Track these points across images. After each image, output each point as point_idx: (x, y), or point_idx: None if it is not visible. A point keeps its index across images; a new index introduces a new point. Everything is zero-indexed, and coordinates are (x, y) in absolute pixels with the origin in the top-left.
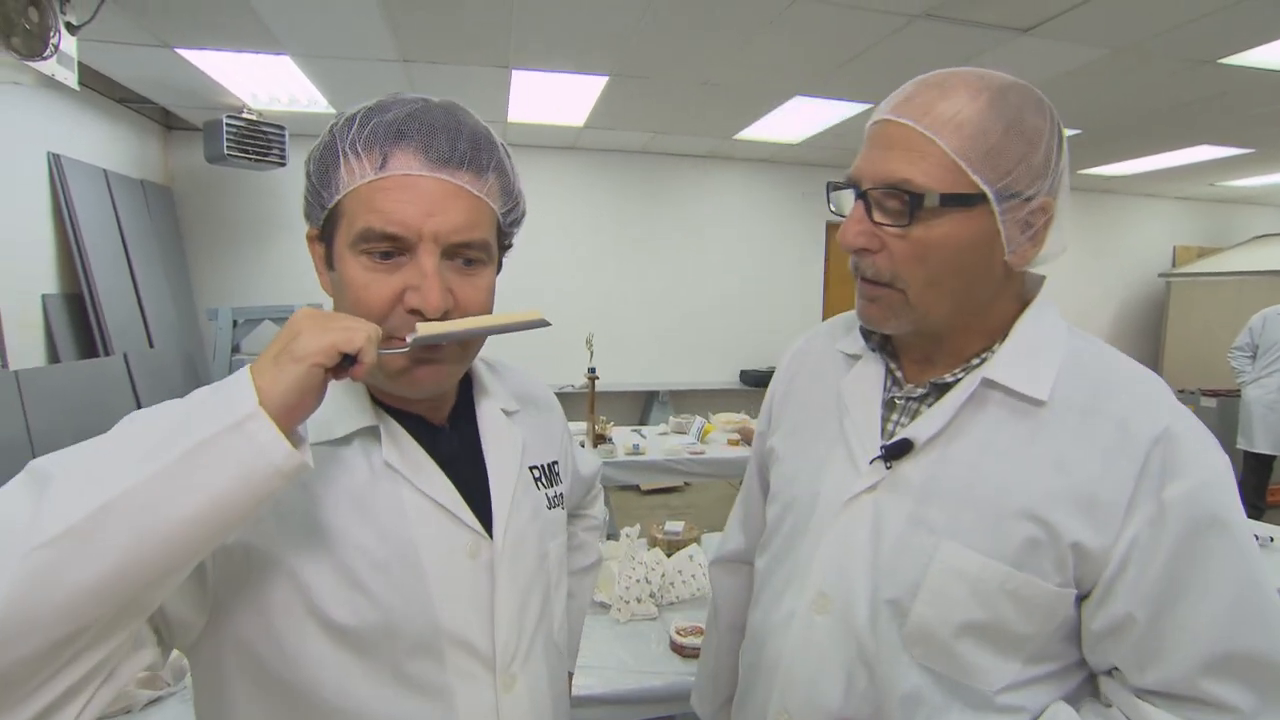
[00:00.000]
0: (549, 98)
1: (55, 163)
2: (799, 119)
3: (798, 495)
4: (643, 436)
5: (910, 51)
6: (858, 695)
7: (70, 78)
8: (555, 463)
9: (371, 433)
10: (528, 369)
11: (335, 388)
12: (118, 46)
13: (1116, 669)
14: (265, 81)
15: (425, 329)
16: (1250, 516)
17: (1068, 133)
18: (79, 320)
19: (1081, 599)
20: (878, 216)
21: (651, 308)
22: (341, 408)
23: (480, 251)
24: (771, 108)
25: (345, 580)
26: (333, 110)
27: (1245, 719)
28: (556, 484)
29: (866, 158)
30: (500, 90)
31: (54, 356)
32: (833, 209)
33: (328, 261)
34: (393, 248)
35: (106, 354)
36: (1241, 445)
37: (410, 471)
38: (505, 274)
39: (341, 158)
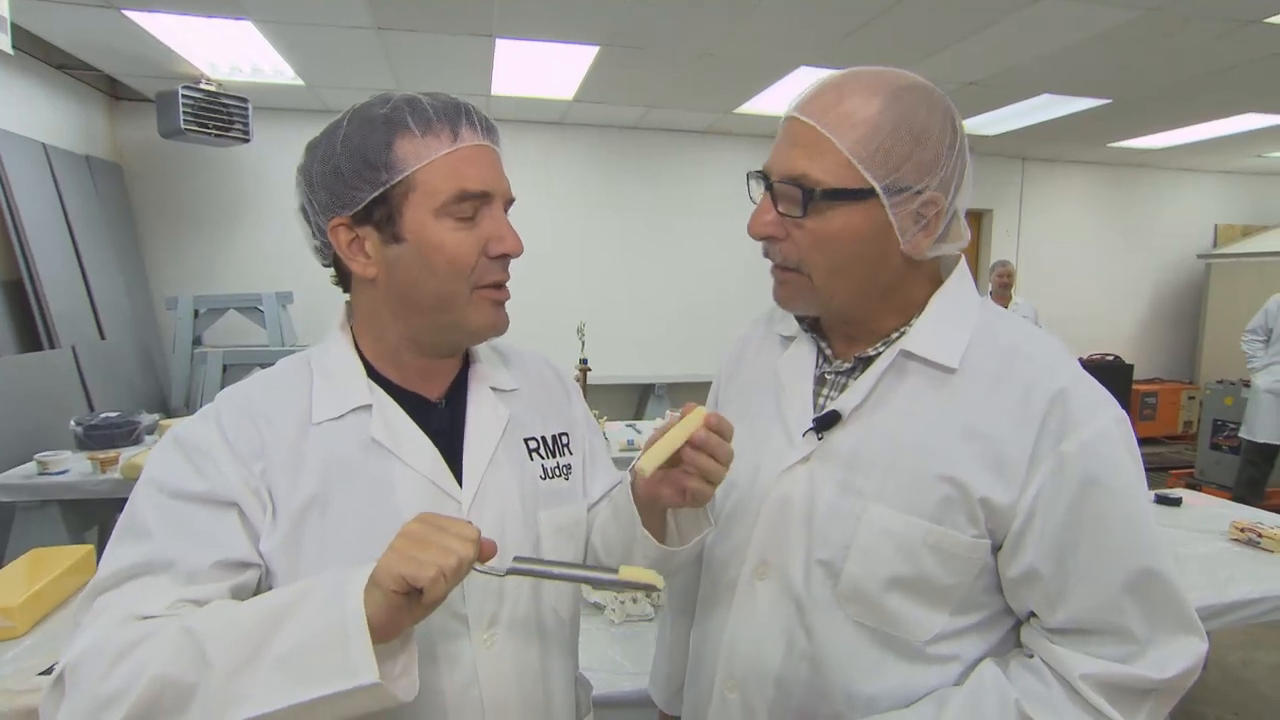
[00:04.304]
0: (536, 69)
1: None
2: None
3: (740, 472)
4: (638, 432)
5: (921, 17)
6: (797, 655)
7: (4, 40)
8: (564, 434)
9: (366, 410)
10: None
11: (335, 369)
12: (57, 6)
13: (1033, 613)
14: (225, 49)
15: (522, 564)
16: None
17: (1095, 103)
18: (20, 309)
19: (997, 549)
20: (781, 207)
21: (647, 295)
22: (339, 388)
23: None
24: (775, 80)
25: (331, 551)
26: (300, 82)
27: (1141, 646)
28: (562, 455)
29: (775, 152)
30: (483, 61)
31: None
32: (752, 198)
33: (390, 237)
34: (475, 207)
35: (52, 346)
36: (1244, 434)
37: (395, 445)
38: None
39: (410, 135)
